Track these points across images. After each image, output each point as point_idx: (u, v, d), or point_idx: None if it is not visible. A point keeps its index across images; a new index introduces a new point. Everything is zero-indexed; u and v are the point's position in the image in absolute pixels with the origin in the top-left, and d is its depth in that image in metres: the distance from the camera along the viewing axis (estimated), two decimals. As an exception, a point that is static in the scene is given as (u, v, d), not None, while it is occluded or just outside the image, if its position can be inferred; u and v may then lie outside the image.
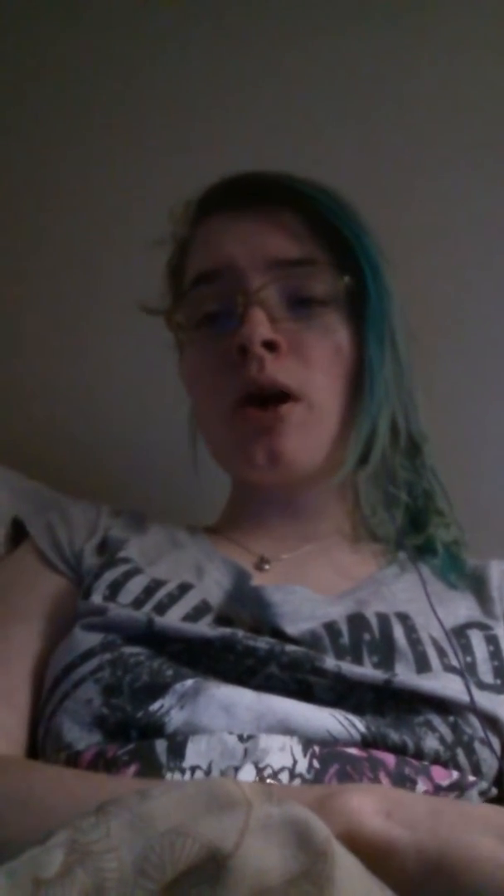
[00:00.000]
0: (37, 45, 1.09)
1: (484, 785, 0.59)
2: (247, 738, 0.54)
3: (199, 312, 0.74)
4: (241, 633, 0.61)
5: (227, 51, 1.04)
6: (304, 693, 0.59)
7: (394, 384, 0.73)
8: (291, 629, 0.63)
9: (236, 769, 0.52)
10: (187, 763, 0.53)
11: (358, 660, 0.61)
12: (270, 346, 0.69)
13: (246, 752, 0.53)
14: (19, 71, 1.10)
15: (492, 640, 0.67)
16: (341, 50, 1.02)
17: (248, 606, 0.65)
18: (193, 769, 0.53)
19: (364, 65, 1.01)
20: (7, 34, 1.09)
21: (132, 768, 0.54)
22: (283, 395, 0.69)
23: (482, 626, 0.68)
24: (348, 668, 0.59)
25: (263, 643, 0.60)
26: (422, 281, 0.90)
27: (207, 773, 0.53)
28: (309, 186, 0.73)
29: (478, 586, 0.73)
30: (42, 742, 0.62)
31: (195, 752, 0.54)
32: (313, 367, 0.70)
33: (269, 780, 0.51)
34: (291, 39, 1.03)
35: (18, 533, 0.79)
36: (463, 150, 0.99)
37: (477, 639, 0.66)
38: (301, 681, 0.59)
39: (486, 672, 0.64)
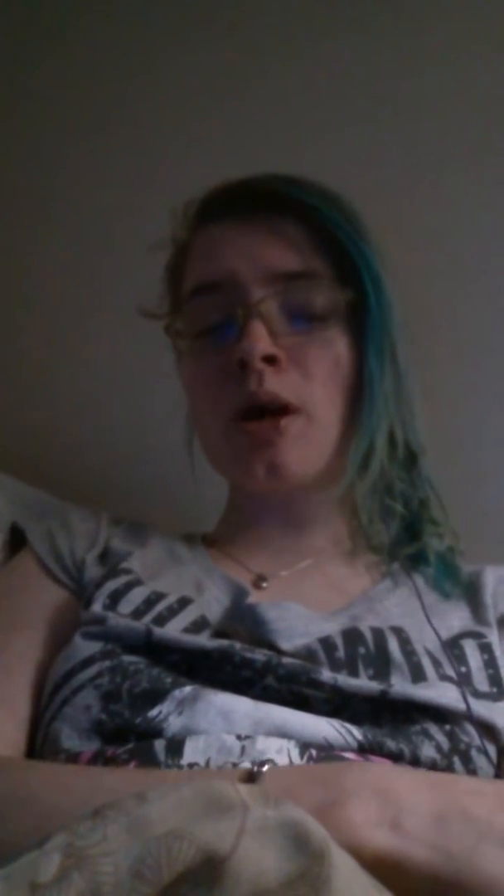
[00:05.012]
0: (37, 49, 1.09)
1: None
2: (245, 737, 0.54)
3: (198, 323, 0.74)
4: (238, 646, 0.61)
5: (227, 53, 1.04)
6: (301, 705, 0.59)
7: (393, 396, 0.73)
8: (286, 645, 0.63)
9: (234, 766, 0.52)
10: (185, 760, 0.53)
11: (354, 672, 0.61)
12: (270, 359, 0.69)
13: (243, 749, 0.53)
14: (20, 73, 1.10)
15: (485, 648, 0.67)
16: (341, 52, 1.02)
17: (244, 623, 0.66)
18: (191, 766, 0.53)
19: (364, 67, 1.01)
20: (7, 36, 1.10)
21: (130, 766, 0.54)
22: (282, 408, 0.70)
23: (475, 635, 0.68)
24: (344, 680, 0.59)
25: (261, 655, 0.61)
26: (422, 282, 0.90)
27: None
28: (312, 194, 0.73)
29: (472, 593, 0.73)
30: (40, 749, 0.62)
31: (193, 749, 0.54)
32: (313, 381, 0.70)
33: (265, 768, 0.50)
34: (292, 41, 1.03)
35: (16, 539, 0.79)
36: (463, 151, 0.99)
37: (470, 648, 0.66)
38: (298, 693, 0.59)
39: (481, 681, 0.64)
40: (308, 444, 0.71)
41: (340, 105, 1.02)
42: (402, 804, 0.46)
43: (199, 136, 1.03)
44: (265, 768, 0.50)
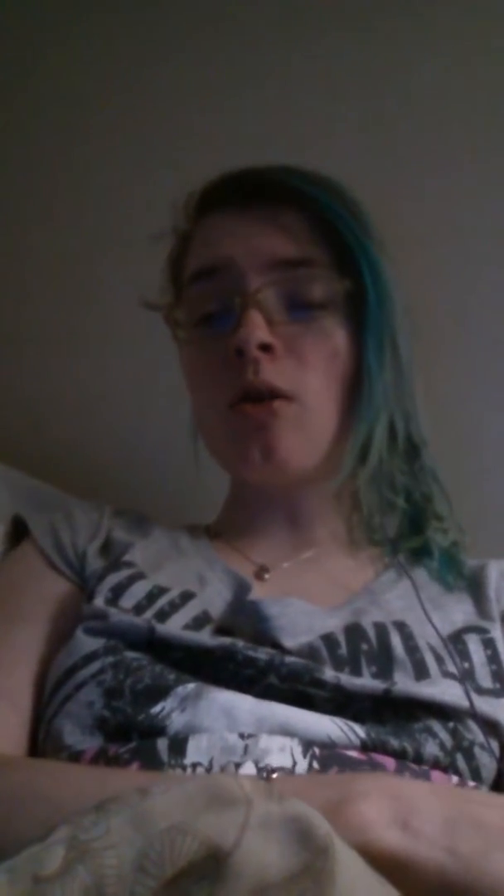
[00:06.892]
0: (37, 41, 1.09)
1: (483, 790, 0.59)
2: (248, 736, 0.54)
3: (197, 311, 0.74)
4: (240, 644, 0.61)
5: (228, 45, 1.04)
6: (304, 703, 0.58)
7: (392, 388, 0.73)
8: (290, 642, 0.63)
9: (237, 765, 0.52)
10: (188, 760, 0.53)
11: (356, 670, 0.61)
12: (266, 347, 0.69)
13: (246, 748, 0.53)
14: (20, 66, 1.10)
15: (489, 643, 0.67)
16: (344, 46, 1.01)
17: (247, 619, 0.65)
18: (194, 766, 0.53)
19: (367, 61, 1.01)
20: (7, 33, 1.09)
21: (133, 766, 0.54)
22: (276, 395, 0.69)
23: (479, 630, 0.68)
24: (347, 679, 0.59)
25: (263, 654, 0.60)
26: (424, 277, 0.90)
27: (208, 769, 0.53)
28: (312, 184, 0.73)
29: (475, 587, 0.73)
30: (42, 744, 0.62)
31: (196, 748, 0.54)
32: (309, 370, 0.70)
33: (275, 776, 0.50)
34: (294, 34, 1.02)
35: (19, 531, 0.79)
36: (465, 149, 0.99)
37: (474, 644, 0.66)
38: (300, 691, 0.59)
39: (484, 677, 0.64)
40: (301, 431, 0.70)
41: (341, 102, 1.02)
42: (414, 806, 0.46)
43: (200, 130, 1.03)
44: (275, 776, 0.50)
